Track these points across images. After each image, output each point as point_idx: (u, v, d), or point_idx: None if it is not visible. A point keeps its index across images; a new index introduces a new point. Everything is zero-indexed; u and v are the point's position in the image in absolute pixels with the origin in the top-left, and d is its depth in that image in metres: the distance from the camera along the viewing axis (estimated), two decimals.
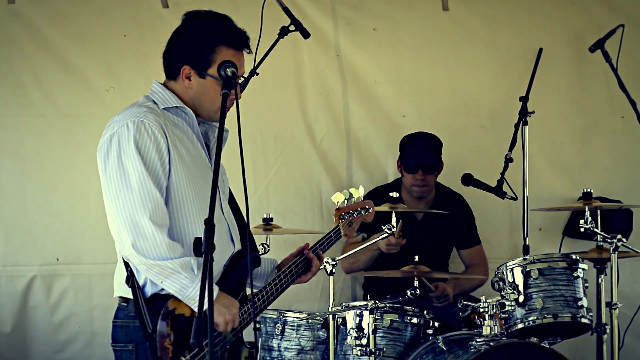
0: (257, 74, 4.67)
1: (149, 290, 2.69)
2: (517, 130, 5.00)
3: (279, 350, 4.46)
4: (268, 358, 4.49)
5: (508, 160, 4.95)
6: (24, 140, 5.43)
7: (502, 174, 4.92)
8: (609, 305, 4.36)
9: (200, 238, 2.03)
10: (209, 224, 2.04)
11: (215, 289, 2.62)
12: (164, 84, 2.87)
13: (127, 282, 2.68)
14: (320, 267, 3.20)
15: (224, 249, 2.80)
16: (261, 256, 3.15)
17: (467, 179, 4.89)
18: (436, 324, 4.35)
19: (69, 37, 5.39)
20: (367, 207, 3.40)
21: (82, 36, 5.43)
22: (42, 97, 5.44)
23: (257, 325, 4.41)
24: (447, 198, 5.16)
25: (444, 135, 5.25)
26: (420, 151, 4.95)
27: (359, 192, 3.34)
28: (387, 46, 5.65)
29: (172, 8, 5.45)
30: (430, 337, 4.23)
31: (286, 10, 4.70)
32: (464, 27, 5.55)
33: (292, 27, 4.71)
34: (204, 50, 2.74)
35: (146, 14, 5.48)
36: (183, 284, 2.56)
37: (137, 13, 5.47)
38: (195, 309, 2.54)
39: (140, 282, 2.68)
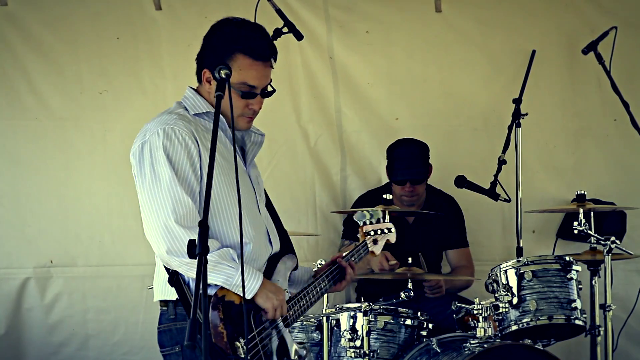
0: None
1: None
2: (511, 132, 5.00)
3: None
4: None
5: (501, 162, 4.96)
6: (18, 143, 5.42)
7: (496, 176, 4.92)
8: (603, 307, 4.36)
9: (194, 240, 2.03)
10: (203, 226, 2.04)
11: (260, 275, 2.68)
12: (196, 89, 2.91)
13: (170, 282, 2.69)
14: (354, 277, 3.25)
15: (263, 251, 2.85)
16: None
17: (461, 181, 4.89)
18: (430, 325, 4.35)
19: (62, 40, 5.38)
20: (389, 227, 3.48)
21: (75, 39, 5.43)
22: (35, 100, 5.43)
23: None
24: (438, 200, 5.17)
25: (437, 137, 5.26)
26: (407, 163, 4.96)
27: (379, 212, 3.46)
28: (379, 48, 5.65)
29: (165, 10, 5.45)
30: (424, 339, 4.23)
31: (279, 12, 4.70)
32: (456, 29, 5.56)
33: (285, 29, 4.70)
34: (221, 56, 2.76)
35: (139, 16, 5.48)
36: (228, 274, 2.59)
37: (129, 16, 5.47)
38: (245, 295, 2.60)
39: (187, 279, 2.70)
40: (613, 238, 4.28)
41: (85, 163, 5.47)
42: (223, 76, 2.42)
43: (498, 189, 4.92)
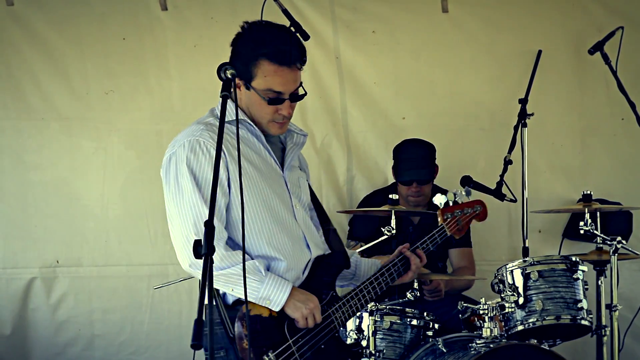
0: None
1: (230, 297, 2.73)
2: (517, 132, 5.00)
3: None
4: None
5: (507, 162, 4.96)
6: (24, 143, 5.44)
7: (502, 176, 4.92)
8: (609, 307, 4.37)
9: (200, 240, 2.03)
10: (209, 226, 2.04)
11: (287, 287, 2.67)
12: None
13: None
14: (421, 266, 3.24)
15: (300, 256, 2.85)
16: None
17: (467, 181, 4.88)
18: (436, 325, 4.35)
19: (68, 40, 5.39)
20: (476, 206, 3.45)
21: (81, 39, 5.44)
22: (41, 100, 5.45)
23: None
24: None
25: (443, 137, 5.26)
26: (413, 164, 4.96)
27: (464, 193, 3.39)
28: (386, 49, 5.65)
29: (171, 11, 5.46)
30: (430, 339, 4.23)
31: (285, 12, 4.70)
32: (463, 30, 5.57)
33: (291, 29, 4.71)
34: (247, 62, 2.75)
35: (145, 17, 5.49)
36: (253, 287, 2.59)
37: (135, 16, 5.48)
38: (272, 308, 2.64)
39: (221, 291, 2.70)
40: (619, 238, 4.27)
41: (91, 163, 5.48)
42: (229, 76, 2.41)
43: (504, 189, 4.91)
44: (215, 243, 2.49)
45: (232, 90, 2.43)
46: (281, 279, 2.70)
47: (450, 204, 3.32)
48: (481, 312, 4.02)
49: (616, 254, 4.28)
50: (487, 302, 4.01)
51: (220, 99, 2.36)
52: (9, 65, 5.38)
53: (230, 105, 2.81)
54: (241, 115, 2.80)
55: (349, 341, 4.25)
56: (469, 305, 4.13)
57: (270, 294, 2.60)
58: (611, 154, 5.54)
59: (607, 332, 4.37)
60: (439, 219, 3.33)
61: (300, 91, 2.89)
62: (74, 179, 5.43)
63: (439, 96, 5.65)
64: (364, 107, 5.59)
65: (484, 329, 3.96)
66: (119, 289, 5.42)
